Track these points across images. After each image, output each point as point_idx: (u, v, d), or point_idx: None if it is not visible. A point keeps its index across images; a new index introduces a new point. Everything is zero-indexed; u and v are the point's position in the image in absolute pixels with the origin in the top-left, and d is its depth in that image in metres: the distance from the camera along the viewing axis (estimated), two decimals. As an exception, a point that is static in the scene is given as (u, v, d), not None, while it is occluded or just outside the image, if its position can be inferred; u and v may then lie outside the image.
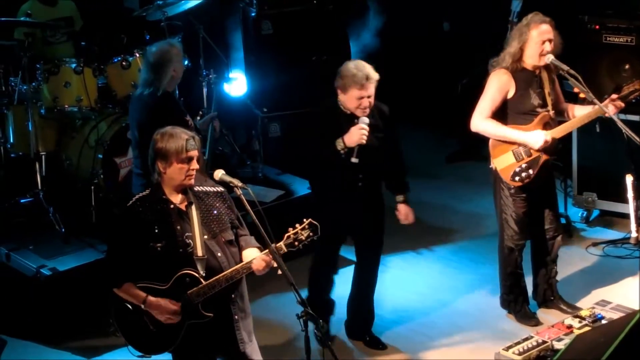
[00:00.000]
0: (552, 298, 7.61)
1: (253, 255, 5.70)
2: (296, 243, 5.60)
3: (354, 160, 6.76)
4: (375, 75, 6.81)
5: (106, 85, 8.72)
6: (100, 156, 8.33)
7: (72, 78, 8.49)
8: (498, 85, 7.08)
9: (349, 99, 6.81)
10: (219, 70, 9.94)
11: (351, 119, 6.83)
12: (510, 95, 7.09)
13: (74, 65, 8.50)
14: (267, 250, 5.58)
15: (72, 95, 8.48)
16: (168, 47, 7.43)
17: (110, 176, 8.37)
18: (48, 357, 7.44)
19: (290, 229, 5.62)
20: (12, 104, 8.56)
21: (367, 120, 6.79)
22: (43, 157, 8.50)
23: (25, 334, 7.62)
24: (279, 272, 5.53)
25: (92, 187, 8.33)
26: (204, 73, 9.19)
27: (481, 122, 7.08)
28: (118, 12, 9.50)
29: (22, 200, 8.49)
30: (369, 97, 6.79)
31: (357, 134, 6.73)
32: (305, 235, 5.60)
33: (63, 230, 8.19)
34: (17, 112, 8.55)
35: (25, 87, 8.45)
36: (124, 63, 8.61)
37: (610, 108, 7.08)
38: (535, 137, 7.00)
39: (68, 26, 8.93)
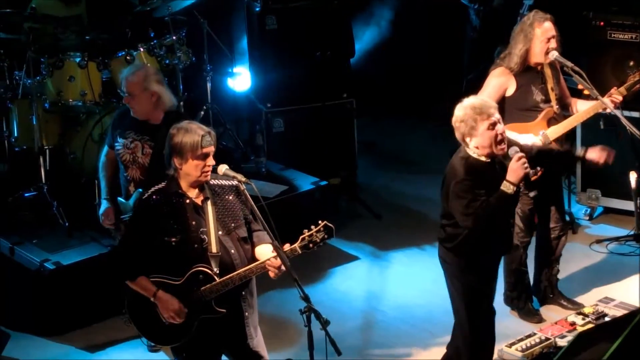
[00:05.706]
0: (551, 295, 7.63)
1: (266, 252, 5.69)
2: (311, 245, 5.59)
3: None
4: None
5: (110, 80, 8.71)
6: (104, 150, 8.34)
7: (76, 72, 8.48)
8: (496, 83, 7.11)
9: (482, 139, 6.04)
10: (223, 65, 9.95)
11: (492, 165, 6.15)
12: (509, 93, 7.11)
13: (78, 60, 8.49)
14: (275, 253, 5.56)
15: (77, 89, 8.48)
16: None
17: (114, 170, 8.37)
18: (52, 352, 7.46)
19: (306, 230, 5.60)
20: (16, 97, 8.55)
21: (516, 147, 6.13)
22: (47, 151, 8.50)
23: (28, 328, 7.63)
24: (283, 267, 5.54)
25: (96, 181, 8.32)
26: (208, 68, 9.20)
27: None
28: (124, 6, 9.48)
29: (26, 194, 8.50)
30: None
31: (520, 167, 6.03)
32: (320, 237, 5.58)
33: (67, 224, 8.19)
34: (22, 106, 8.54)
35: (29, 81, 8.45)
36: (128, 57, 8.59)
37: (607, 102, 7.09)
38: (526, 139, 6.94)
39: (78, 24, 8.90)
